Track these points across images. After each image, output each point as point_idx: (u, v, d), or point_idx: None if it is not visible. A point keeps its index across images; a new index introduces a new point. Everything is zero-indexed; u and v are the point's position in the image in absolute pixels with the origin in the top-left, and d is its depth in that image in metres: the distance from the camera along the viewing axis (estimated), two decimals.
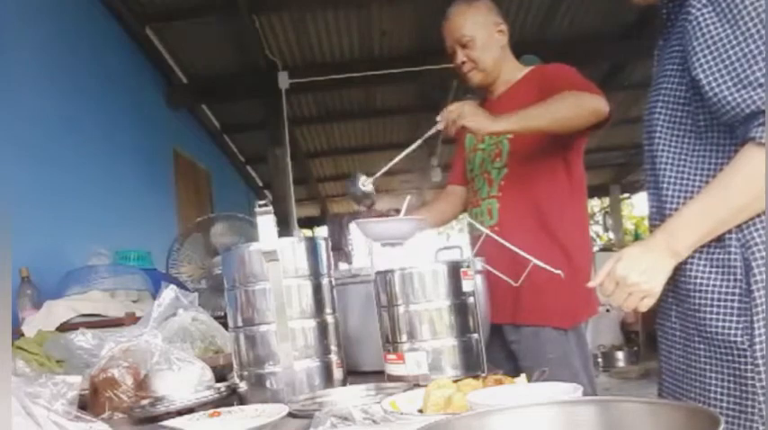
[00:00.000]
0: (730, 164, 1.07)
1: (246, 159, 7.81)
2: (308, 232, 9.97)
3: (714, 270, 1.14)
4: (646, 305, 1.15)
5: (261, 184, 8.67)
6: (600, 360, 7.23)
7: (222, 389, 1.37)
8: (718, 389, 1.15)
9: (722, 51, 1.03)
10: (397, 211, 1.87)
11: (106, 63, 3.90)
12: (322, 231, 11.36)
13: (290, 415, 1.18)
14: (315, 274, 1.42)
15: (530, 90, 1.99)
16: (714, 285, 1.14)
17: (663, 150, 1.21)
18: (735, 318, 1.11)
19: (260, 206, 1.38)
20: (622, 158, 9.69)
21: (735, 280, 1.11)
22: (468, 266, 1.46)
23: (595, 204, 13.84)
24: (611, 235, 11.95)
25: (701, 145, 1.16)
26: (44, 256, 2.57)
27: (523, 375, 1.14)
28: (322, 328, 1.41)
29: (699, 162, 1.17)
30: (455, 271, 1.44)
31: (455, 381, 1.11)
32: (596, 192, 11.69)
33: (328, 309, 1.44)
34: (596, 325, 7.25)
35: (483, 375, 1.36)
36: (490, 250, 1.71)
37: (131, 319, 2.03)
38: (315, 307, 1.41)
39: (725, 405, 1.14)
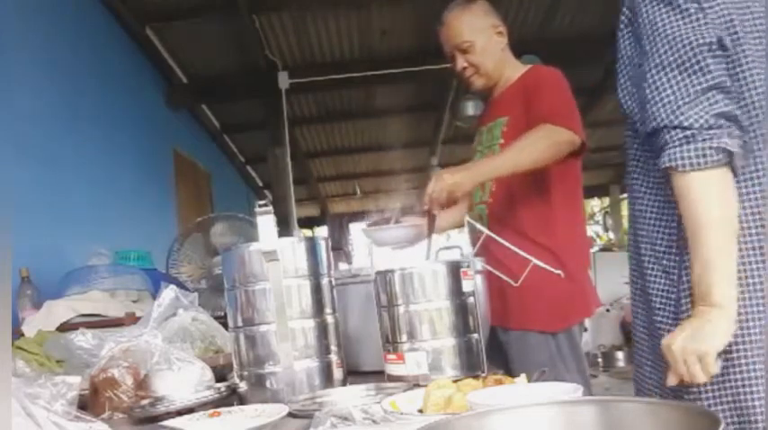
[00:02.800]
0: (680, 203, 1.06)
1: (246, 159, 7.81)
2: (308, 232, 9.97)
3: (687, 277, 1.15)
4: (716, 368, 1.07)
5: (261, 184, 8.67)
6: (600, 360, 7.23)
7: (222, 389, 1.37)
8: (707, 396, 1.15)
9: (629, 70, 1.06)
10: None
11: (106, 63, 3.90)
12: (322, 231, 11.36)
13: (290, 415, 1.18)
14: (315, 274, 1.42)
15: (519, 93, 1.99)
16: (687, 288, 1.16)
17: (634, 181, 1.25)
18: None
19: (260, 206, 1.38)
20: (622, 158, 9.67)
21: None
22: (468, 266, 1.46)
23: (595, 204, 13.84)
24: (612, 235, 11.95)
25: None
26: (44, 256, 2.57)
27: (523, 375, 1.14)
28: (322, 328, 1.41)
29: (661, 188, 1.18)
30: (455, 271, 1.44)
31: (455, 381, 1.11)
32: (596, 191, 11.68)
33: (328, 309, 1.44)
34: (596, 325, 7.25)
35: (483, 375, 1.36)
36: (489, 251, 1.71)
37: (131, 319, 2.02)
38: (315, 307, 1.41)
39: (715, 402, 1.16)
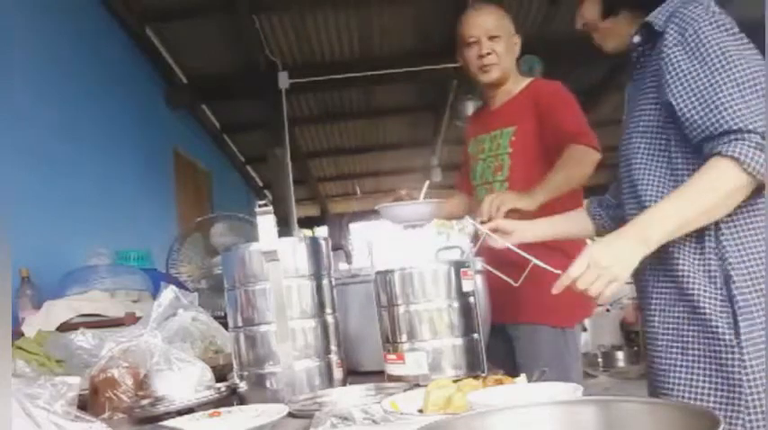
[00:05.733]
0: (699, 172, 1.19)
1: (246, 159, 7.81)
2: (308, 232, 9.96)
3: (698, 279, 1.25)
4: (611, 290, 1.23)
5: (261, 184, 8.67)
6: (600, 360, 7.23)
7: (222, 389, 1.37)
8: (706, 384, 1.23)
9: (691, 82, 1.19)
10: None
11: (106, 63, 3.90)
12: (322, 231, 11.35)
13: (290, 415, 1.18)
14: (315, 274, 1.42)
15: (528, 105, 2.09)
16: (699, 292, 1.25)
17: (642, 175, 1.34)
18: (720, 316, 1.22)
19: (260, 206, 1.38)
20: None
21: (716, 287, 1.23)
22: (468, 266, 1.46)
23: None
24: None
25: (673, 169, 1.30)
26: (44, 256, 2.57)
27: (523, 375, 1.14)
28: (322, 328, 1.41)
29: (670, 182, 1.30)
30: (455, 271, 1.44)
31: (455, 381, 1.11)
32: (596, 191, 11.67)
33: (328, 309, 1.44)
34: (596, 325, 7.25)
35: (483, 375, 1.36)
36: (490, 250, 1.71)
37: (131, 319, 2.02)
38: (315, 307, 1.41)
39: (712, 399, 1.22)
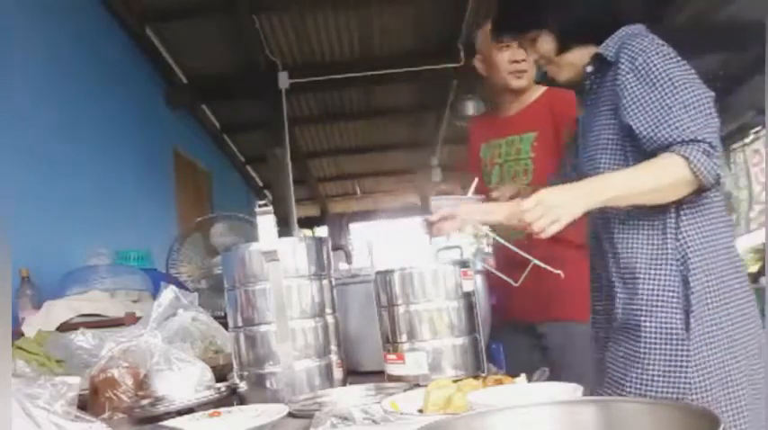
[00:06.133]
0: (652, 159, 1.34)
1: (246, 159, 7.80)
2: (308, 232, 9.96)
3: (658, 280, 1.39)
4: (552, 230, 1.34)
5: (261, 184, 8.66)
6: None
7: (222, 389, 1.37)
8: (659, 376, 1.36)
9: (646, 106, 1.36)
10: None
11: (106, 63, 3.90)
12: (322, 231, 11.36)
13: (290, 415, 1.18)
14: (315, 274, 1.42)
15: (545, 112, 2.13)
16: (659, 292, 1.39)
17: None
18: (675, 315, 1.37)
19: (260, 206, 1.38)
20: None
21: (674, 289, 1.38)
22: (468, 266, 1.46)
23: None
24: None
25: None
26: (44, 256, 2.57)
27: (523, 375, 1.14)
28: (322, 328, 1.41)
29: None
30: (455, 271, 1.44)
31: (455, 381, 1.11)
32: None
33: (328, 309, 1.44)
34: None
35: (483, 375, 1.36)
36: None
37: (131, 319, 2.02)
38: (315, 307, 1.41)
39: (663, 389, 1.36)
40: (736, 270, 1.40)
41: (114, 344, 1.47)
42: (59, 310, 2.13)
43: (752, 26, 4.53)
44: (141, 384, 1.37)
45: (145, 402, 1.33)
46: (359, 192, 10.26)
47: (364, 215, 10.90)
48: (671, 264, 1.38)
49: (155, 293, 2.30)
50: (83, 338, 1.60)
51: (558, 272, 1.49)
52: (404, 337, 1.43)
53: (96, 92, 3.68)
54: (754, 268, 5.87)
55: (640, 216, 1.42)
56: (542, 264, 1.50)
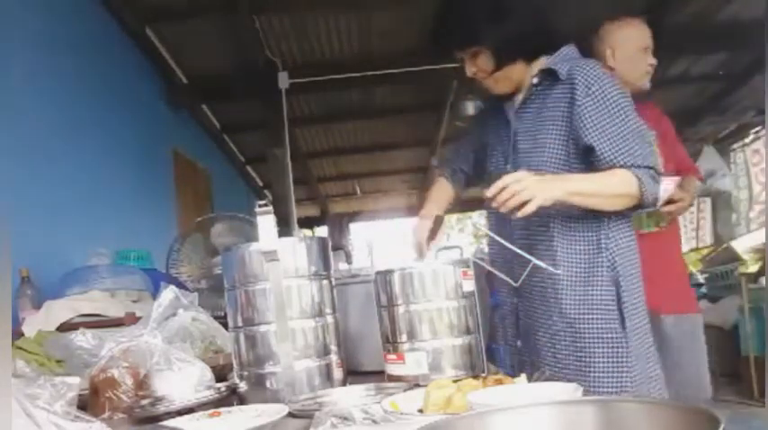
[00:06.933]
0: (612, 170, 1.51)
1: (246, 159, 7.80)
2: (308, 232, 9.96)
3: (598, 286, 1.55)
4: (524, 211, 1.40)
5: (261, 184, 8.66)
6: None
7: (222, 389, 1.37)
8: (602, 371, 1.51)
9: (604, 131, 1.52)
10: None
11: (106, 63, 3.90)
12: (322, 231, 11.35)
13: (290, 415, 1.18)
14: (315, 274, 1.42)
15: None
16: (595, 294, 1.55)
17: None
18: (613, 314, 1.53)
19: (260, 206, 1.38)
20: None
21: (609, 291, 1.54)
22: (468, 266, 1.46)
23: None
24: None
25: None
26: (44, 256, 2.57)
27: (523, 375, 1.14)
28: (322, 328, 1.41)
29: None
30: (455, 271, 1.44)
31: (455, 381, 1.11)
32: None
33: (328, 309, 1.44)
34: None
35: (483, 375, 1.36)
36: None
37: (131, 319, 2.02)
38: (315, 307, 1.41)
39: (606, 380, 1.50)
40: (638, 266, 1.61)
41: (114, 344, 1.47)
42: (59, 310, 2.13)
43: (752, 26, 4.54)
44: (141, 384, 1.37)
45: (145, 402, 1.33)
46: (359, 192, 10.26)
47: (364, 215, 10.89)
48: (605, 270, 1.55)
49: (155, 293, 2.30)
50: (83, 338, 1.60)
51: (558, 272, 1.49)
52: (404, 337, 1.43)
53: (96, 91, 3.67)
54: (754, 268, 5.86)
55: (578, 227, 1.57)
56: (542, 265, 1.50)
